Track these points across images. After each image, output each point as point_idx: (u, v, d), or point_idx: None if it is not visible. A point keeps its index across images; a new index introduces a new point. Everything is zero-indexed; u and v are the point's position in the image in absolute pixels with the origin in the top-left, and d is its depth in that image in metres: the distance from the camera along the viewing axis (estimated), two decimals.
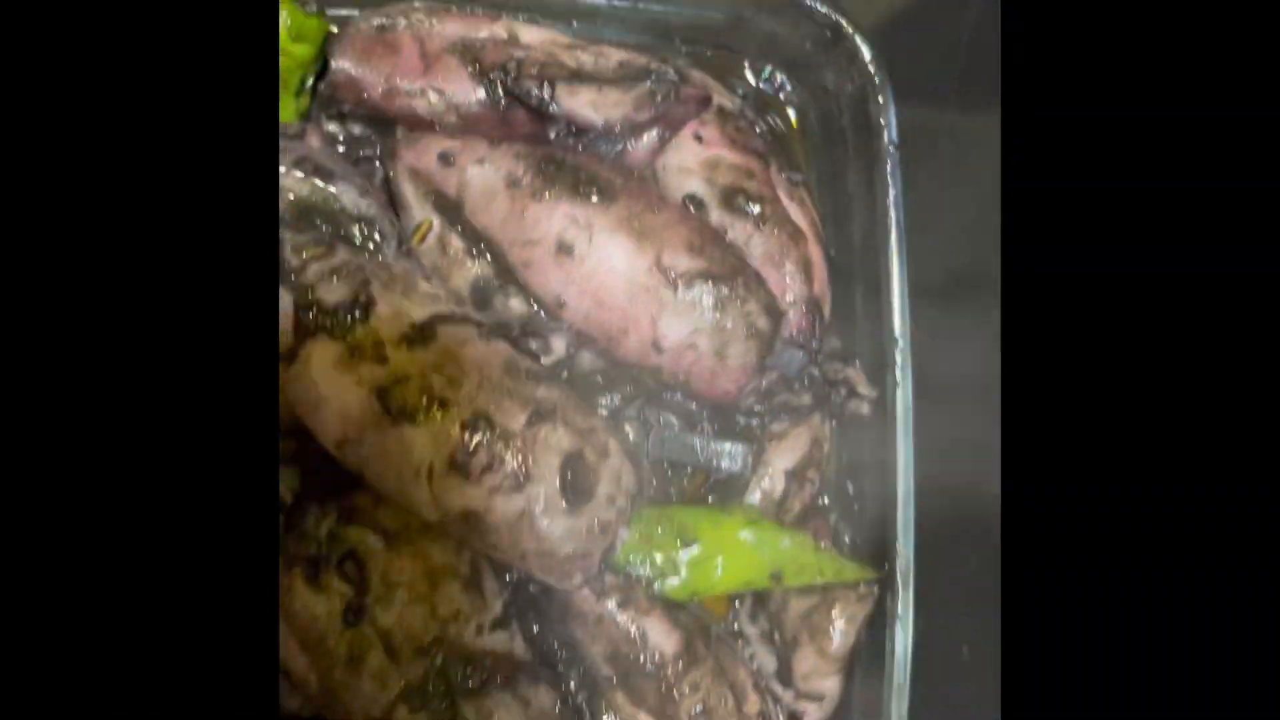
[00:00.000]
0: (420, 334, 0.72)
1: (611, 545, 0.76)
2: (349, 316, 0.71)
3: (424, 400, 0.70)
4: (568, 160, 0.81)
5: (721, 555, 0.84)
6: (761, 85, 0.99)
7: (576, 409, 0.75)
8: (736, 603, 0.92)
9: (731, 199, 0.87)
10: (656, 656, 0.81)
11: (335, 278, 0.72)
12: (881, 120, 0.89)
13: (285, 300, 0.71)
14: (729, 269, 0.80)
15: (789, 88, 0.98)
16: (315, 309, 0.71)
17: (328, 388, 0.71)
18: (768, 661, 0.91)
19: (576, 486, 0.72)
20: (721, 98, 0.93)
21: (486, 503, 0.71)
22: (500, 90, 0.83)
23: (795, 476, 0.92)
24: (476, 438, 0.70)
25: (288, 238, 0.74)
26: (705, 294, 0.79)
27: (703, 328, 0.79)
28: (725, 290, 0.79)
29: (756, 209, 0.87)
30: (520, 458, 0.71)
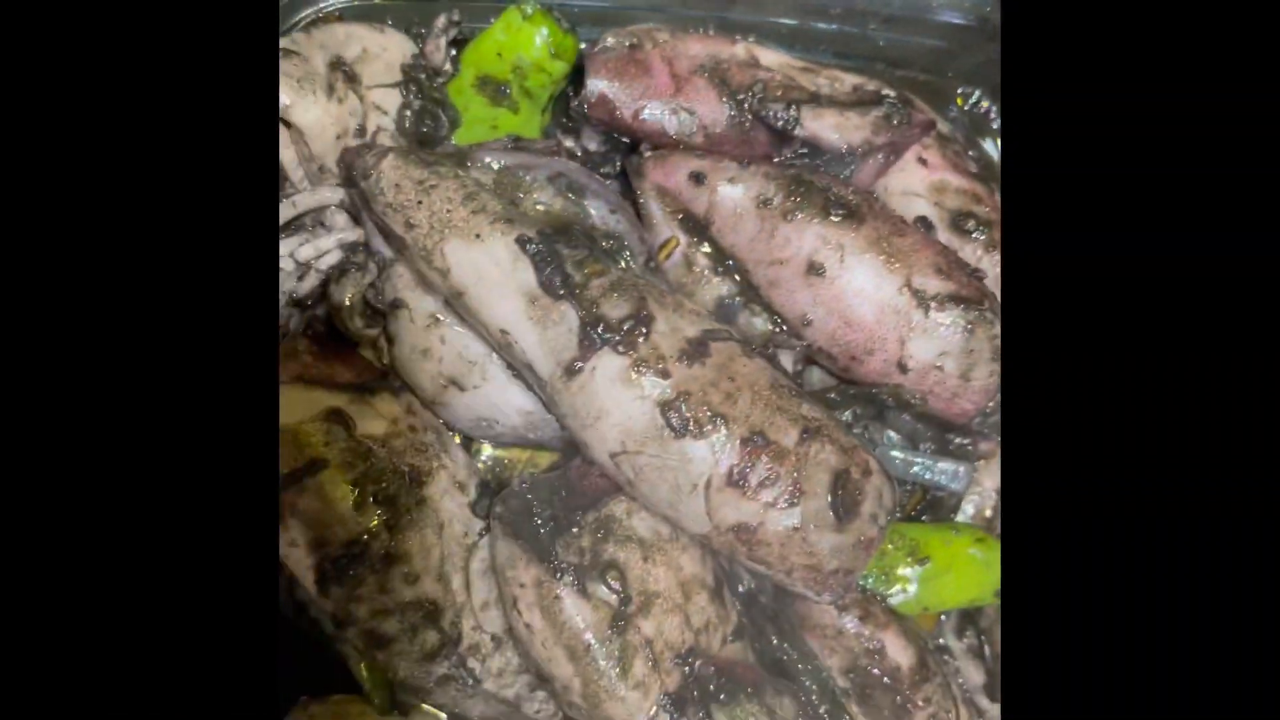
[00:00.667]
0: (696, 349, 0.74)
1: (867, 561, 0.77)
2: (633, 332, 0.73)
3: (706, 415, 0.72)
4: (816, 182, 0.83)
5: (953, 572, 0.85)
6: (969, 110, 1.01)
7: (838, 426, 0.77)
8: (942, 618, 0.94)
9: (961, 222, 0.89)
10: (893, 670, 0.83)
11: (616, 293, 0.74)
12: None
13: (570, 315, 0.73)
14: (977, 292, 0.81)
15: (997, 114, 1.00)
16: (601, 324, 0.72)
17: (611, 400, 0.72)
18: (974, 675, 0.93)
19: (845, 504, 0.73)
20: (939, 123, 0.95)
21: (761, 517, 0.72)
22: (748, 111, 0.85)
23: None
24: (754, 454, 0.72)
25: (566, 253, 0.75)
26: (956, 317, 0.80)
27: (951, 350, 0.81)
28: (975, 313, 0.80)
29: (985, 234, 0.89)
30: (794, 474, 0.72)
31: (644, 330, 0.73)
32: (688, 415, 0.72)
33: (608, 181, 0.90)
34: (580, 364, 0.73)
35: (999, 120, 1.00)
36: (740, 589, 0.86)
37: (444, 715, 0.84)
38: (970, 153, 0.96)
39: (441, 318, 0.79)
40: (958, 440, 0.93)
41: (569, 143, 0.91)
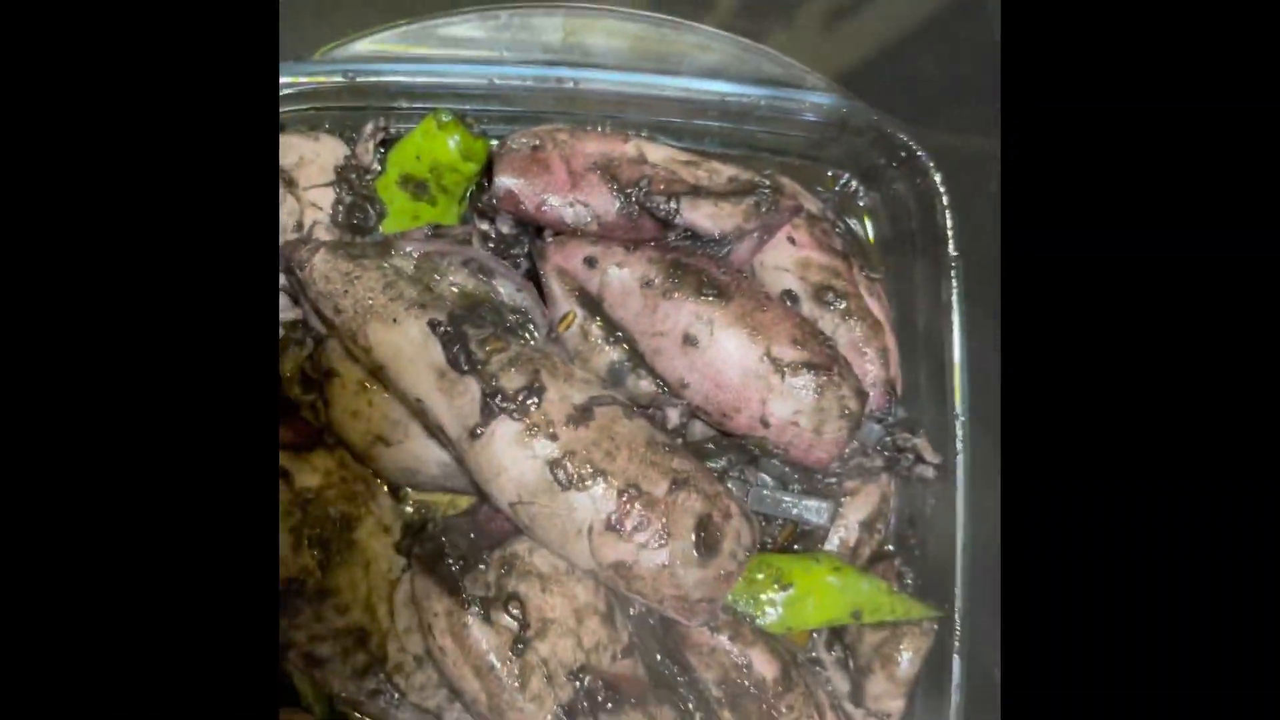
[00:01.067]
0: (581, 414, 0.87)
1: (728, 591, 0.91)
2: (526, 401, 0.86)
3: (588, 471, 0.85)
4: (691, 264, 0.97)
5: (813, 596, 0.99)
6: (839, 190, 1.15)
7: (704, 476, 0.90)
8: (815, 634, 1.08)
9: (822, 294, 1.03)
10: (759, 681, 0.97)
11: (513, 367, 0.88)
12: (947, 227, 1.05)
13: (473, 388, 0.86)
14: (826, 359, 0.95)
15: (864, 194, 1.15)
16: (499, 395, 0.86)
17: (508, 459, 0.86)
18: (841, 685, 1.07)
19: (707, 543, 0.87)
20: (808, 203, 1.09)
21: (636, 556, 0.86)
22: (634, 202, 0.98)
23: (867, 527, 1.08)
24: (629, 503, 0.85)
25: (471, 333, 0.89)
26: (808, 381, 0.94)
27: (804, 409, 0.95)
28: (824, 378, 0.94)
29: (843, 304, 1.03)
30: (663, 520, 0.86)
31: (536, 399, 0.86)
32: (572, 471, 0.85)
33: (519, 260, 1.04)
34: (481, 429, 0.86)
35: (865, 199, 1.15)
36: (632, 612, 1.00)
37: None
38: (838, 229, 1.10)
39: (369, 385, 0.93)
40: (826, 480, 1.07)
41: (485, 225, 1.04)
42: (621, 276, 0.97)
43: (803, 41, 1.09)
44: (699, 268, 0.97)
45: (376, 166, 0.98)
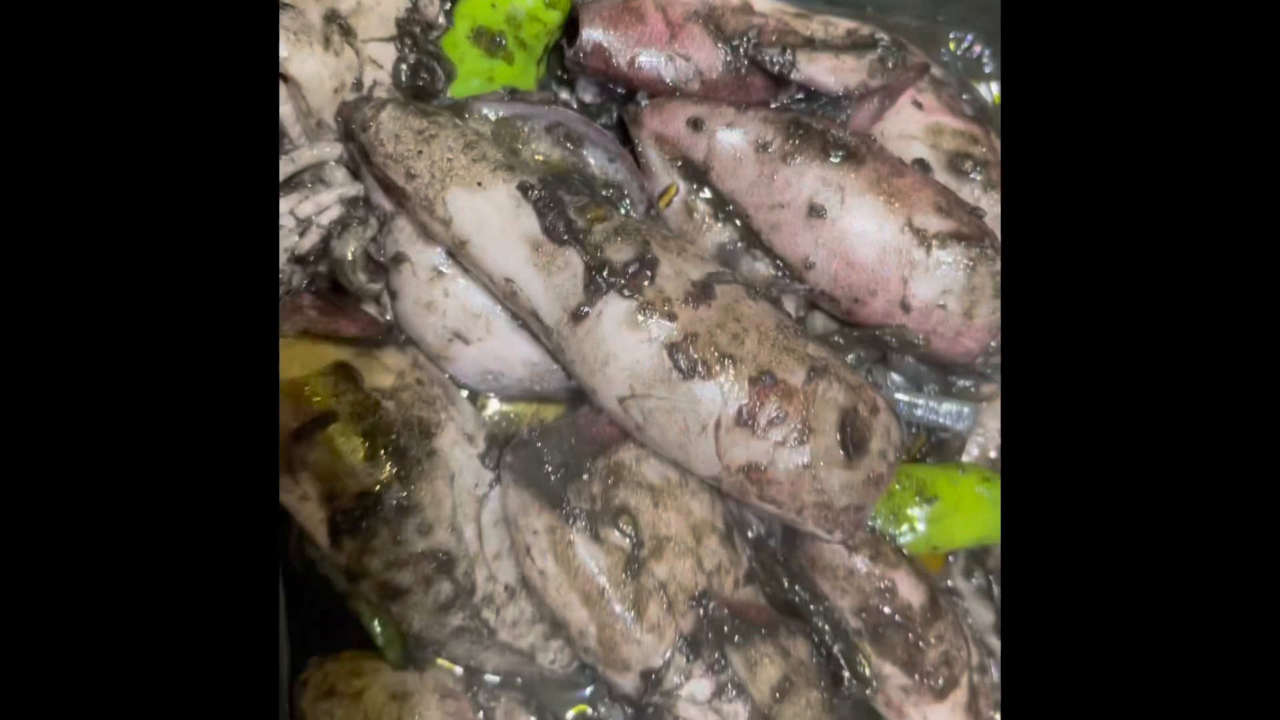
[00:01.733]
0: (702, 292, 0.74)
1: (877, 498, 0.78)
2: (638, 276, 0.73)
3: (714, 356, 0.72)
4: (814, 125, 0.83)
5: (960, 511, 0.86)
6: (961, 55, 1.01)
7: (844, 365, 0.77)
8: (950, 559, 0.95)
9: (958, 164, 0.90)
10: (905, 609, 0.84)
11: (619, 238, 0.74)
12: None
13: (575, 261, 0.73)
14: (977, 230, 0.82)
15: (990, 58, 1.00)
16: (605, 269, 0.72)
17: (619, 344, 0.73)
18: (984, 615, 0.94)
19: (854, 441, 0.74)
20: (933, 67, 0.95)
21: (772, 455, 0.73)
22: (743, 56, 0.84)
23: None
24: (763, 394, 0.72)
25: (568, 200, 0.75)
26: (957, 254, 0.80)
27: (953, 288, 0.81)
28: (976, 251, 0.81)
29: (982, 174, 0.89)
30: (803, 413, 0.73)
31: (649, 274, 0.73)
32: (695, 357, 0.72)
33: (605, 131, 0.90)
34: (586, 309, 0.73)
35: (992, 64, 1.00)
36: (749, 534, 0.87)
37: (459, 669, 0.85)
38: (964, 96, 0.96)
39: (444, 271, 0.79)
40: (961, 383, 0.93)
41: (564, 94, 0.91)
42: (732, 139, 0.83)
43: None
44: (823, 128, 0.83)
45: (442, 21, 0.84)
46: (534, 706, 0.85)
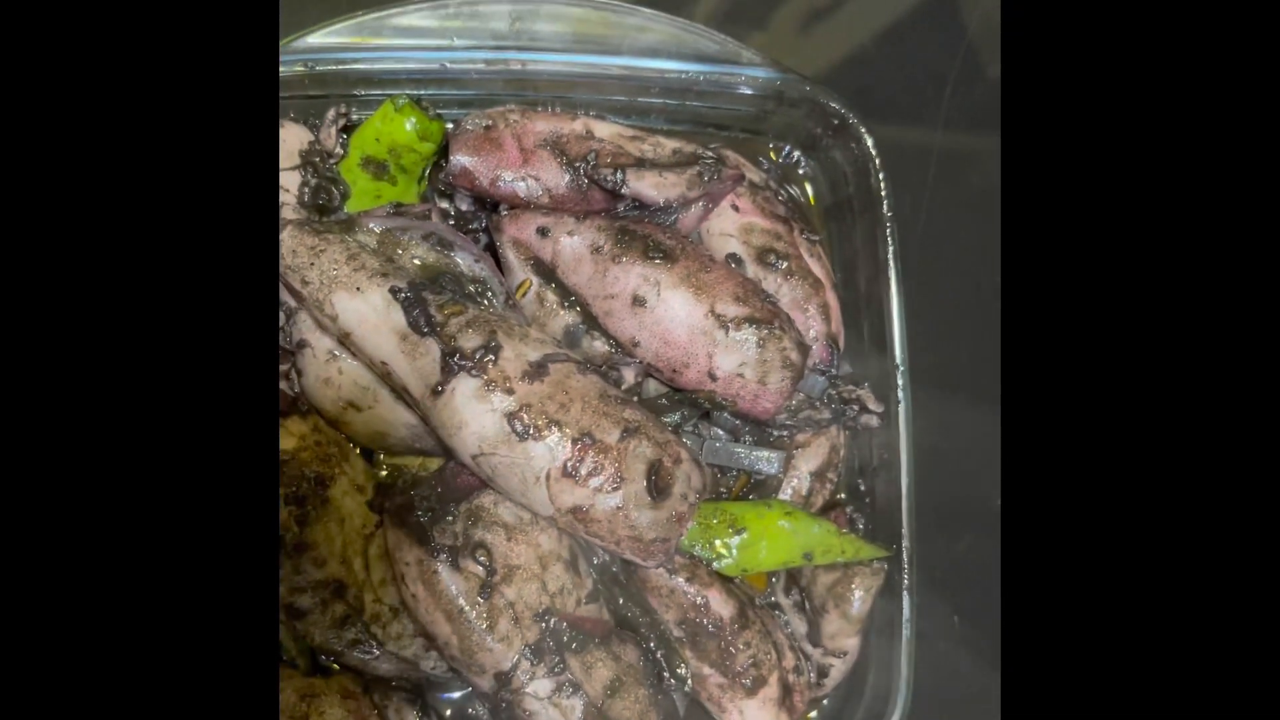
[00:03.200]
0: (537, 370, 0.93)
1: (681, 532, 0.97)
2: (484, 359, 0.92)
3: (544, 422, 0.91)
4: (638, 230, 1.03)
5: (765, 540, 1.05)
6: (781, 161, 1.22)
7: (654, 425, 0.97)
8: (773, 579, 1.14)
9: (764, 256, 1.10)
10: (717, 620, 1.03)
11: (470, 328, 0.94)
12: (881, 191, 1.12)
13: (434, 348, 0.93)
14: (767, 314, 1.02)
15: (804, 163, 1.21)
16: (457, 354, 0.92)
17: (469, 413, 0.92)
18: (800, 626, 1.13)
19: (659, 486, 0.93)
20: (751, 173, 1.15)
21: (591, 500, 0.92)
22: (583, 175, 1.05)
23: (818, 477, 1.14)
24: (583, 451, 0.92)
25: (430, 298, 0.95)
26: (750, 334, 1.00)
27: (749, 360, 1.01)
28: (765, 331, 1.01)
29: (784, 264, 1.10)
30: (616, 465, 0.92)
31: (493, 356, 0.92)
32: (529, 422, 0.91)
33: (477, 235, 1.11)
34: (442, 386, 0.92)
35: (806, 167, 1.21)
36: (595, 561, 1.06)
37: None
38: (780, 196, 1.17)
39: (338, 354, 0.99)
40: (777, 433, 1.13)
41: (444, 204, 1.11)
42: (573, 244, 1.03)
43: (739, 19, 1.16)
44: (645, 233, 1.03)
45: (339, 150, 1.04)
46: (419, 705, 1.04)
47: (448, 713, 1.06)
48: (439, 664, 1.02)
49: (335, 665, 1.03)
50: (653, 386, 1.09)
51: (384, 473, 1.06)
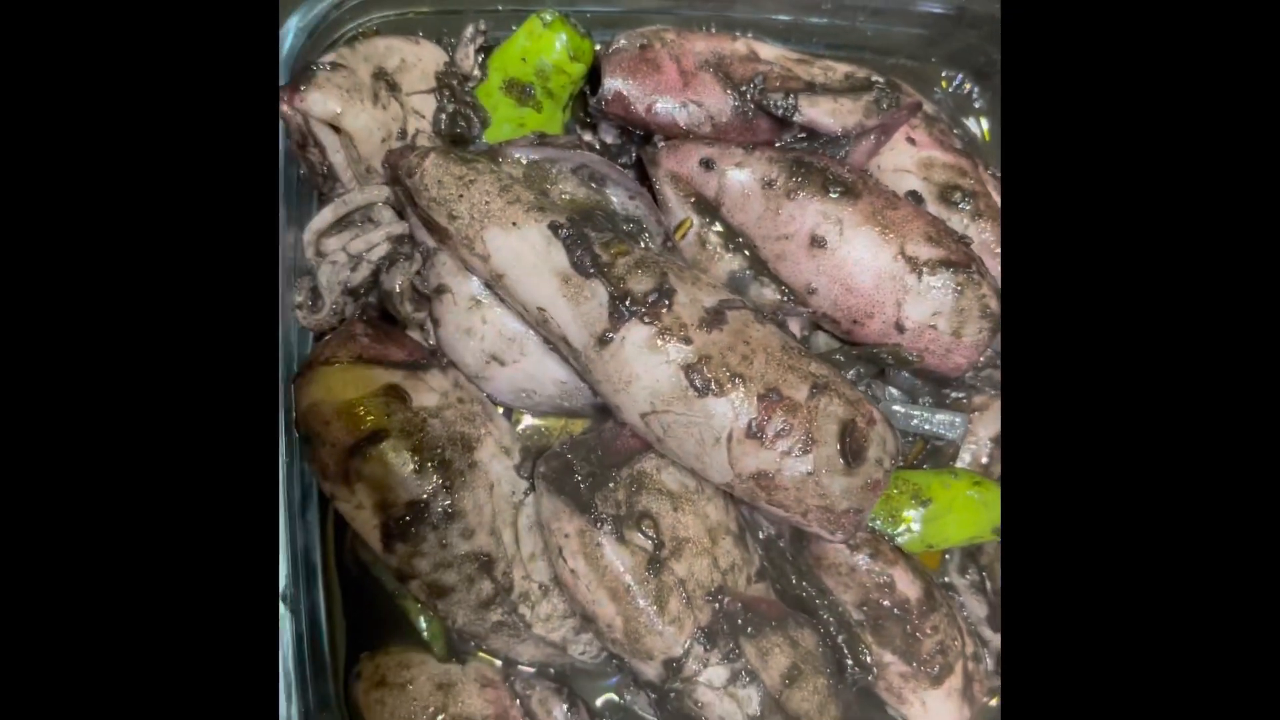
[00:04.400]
0: (714, 318, 0.82)
1: (874, 502, 0.86)
2: (657, 304, 0.81)
3: (725, 375, 0.80)
4: (815, 163, 0.91)
5: (953, 512, 0.94)
6: (953, 91, 1.09)
7: (844, 382, 0.85)
8: (947, 556, 1.03)
9: (948, 194, 0.98)
10: (903, 602, 0.92)
11: (640, 270, 0.82)
12: None
13: (600, 291, 0.81)
14: (965, 257, 0.90)
15: (978, 95, 1.09)
16: (628, 298, 0.81)
17: (640, 365, 0.81)
18: (977, 609, 1.01)
19: (853, 450, 0.82)
20: (925, 104, 1.03)
21: (779, 464, 0.81)
22: (750, 101, 0.93)
23: (998, 442, 1.02)
24: (770, 409, 0.80)
25: (593, 236, 0.84)
26: (946, 279, 0.88)
27: (943, 310, 0.89)
28: (963, 276, 0.89)
29: (970, 204, 0.97)
30: (806, 425, 0.81)
31: (667, 302, 0.81)
32: (709, 376, 0.80)
33: (626, 171, 0.99)
34: (611, 334, 0.81)
35: (981, 100, 1.09)
36: (760, 535, 0.95)
37: (498, 661, 0.93)
38: (955, 131, 1.05)
39: (482, 300, 0.88)
40: (954, 395, 1.02)
41: (587, 137, 0.99)
42: (741, 177, 0.91)
43: None
44: (823, 165, 0.91)
45: (477, 73, 0.93)
46: (566, 694, 0.93)
47: (598, 703, 0.95)
48: (588, 649, 0.92)
49: (476, 650, 0.92)
50: (822, 341, 0.97)
51: (522, 435, 0.95)
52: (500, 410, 0.94)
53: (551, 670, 0.95)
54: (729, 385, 0.80)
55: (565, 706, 0.93)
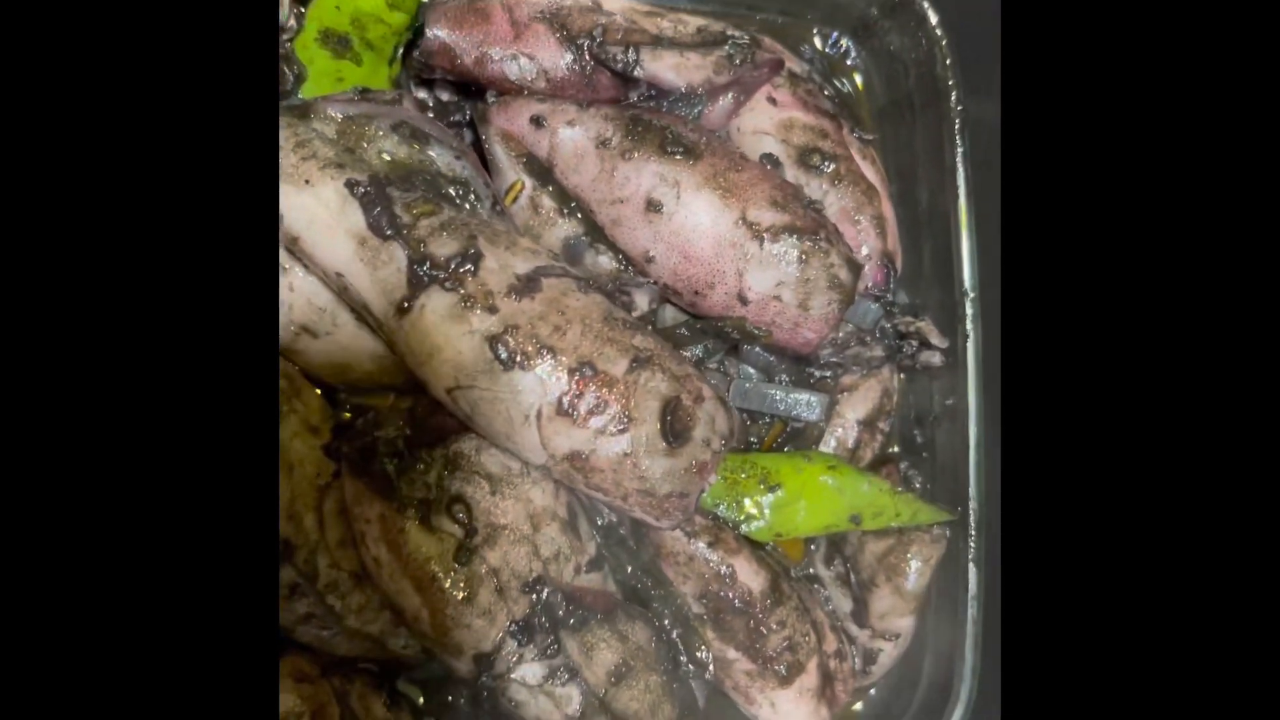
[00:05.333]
0: (526, 285, 0.76)
1: (704, 486, 0.79)
2: (460, 269, 0.74)
3: (534, 347, 0.74)
4: (654, 121, 0.85)
5: (804, 499, 0.87)
6: (827, 51, 1.02)
7: (671, 356, 0.79)
8: (812, 547, 0.96)
9: (807, 158, 0.91)
10: (745, 594, 0.85)
11: (445, 233, 0.76)
12: (950, 82, 0.92)
13: (399, 255, 0.75)
14: (812, 223, 0.83)
15: (854, 53, 1.02)
16: (428, 263, 0.74)
17: (441, 336, 0.75)
18: (843, 603, 0.95)
19: (675, 429, 0.76)
20: (791, 62, 0.96)
21: (593, 444, 0.75)
22: (587, 55, 0.86)
23: (867, 426, 0.96)
24: (583, 383, 0.74)
25: (396, 195, 0.77)
26: (790, 247, 0.82)
27: (787, 280, 0.82)
28: (809, 243, 0.82)
29: (831, 167, 0.91)
30: (623, 402, 0.74)
31: (471, 266, 0.75)
32: (515, 347, 0.74)
33: (460, 129, 0.92)
34: (410, 302, 0.75)
35: (856, 58, 1.02)
36: (600, 522, 0.89)
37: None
38: (825, 91, 0.98)
39: (286, 266, 0.81)
40: (819, 374, 0.95)
41: (421, 93, 0.93)
42: (574, 136, 0.85)
43: None
44: (663, 124, 0.85)
45: (293, 23, 0.86)
46: (388, 690, 0.87)
47: (420, 700, 0.89)
48: (410, 642, 0.85)
49: (287, 644, 0.86)
50: (670, 314, 0.91)
51: (346, 414, 0.89)
52: (316, 389, 0.87)
53: (373, 665, 0.88)
54: (537, 358, 0.74)
55: (385, 704, 0.86)
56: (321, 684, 0.86)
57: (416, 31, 0.88)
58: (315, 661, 0.86)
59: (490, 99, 0.88)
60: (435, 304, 0.74)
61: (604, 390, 0.74)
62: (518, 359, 0.74)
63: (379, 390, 0.89)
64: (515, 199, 0.86)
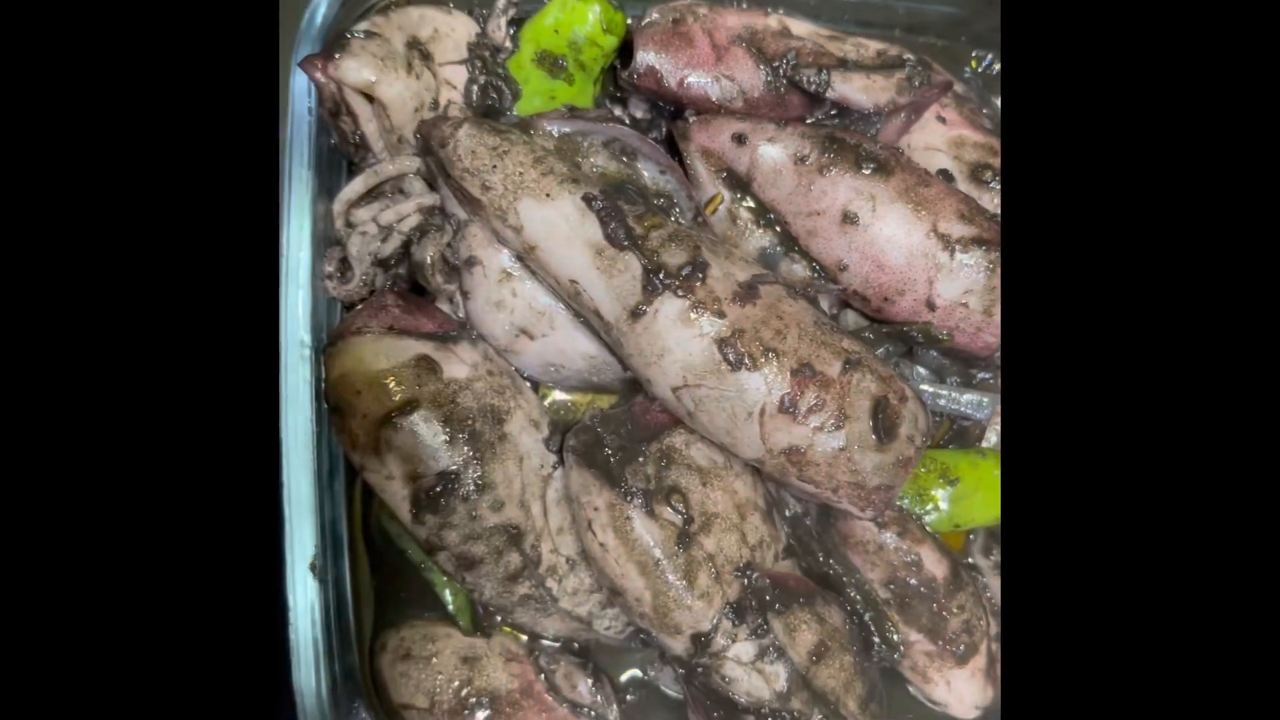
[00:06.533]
0: (747, 292, 0.82)
1: (905, 479, 0.86)
2: (691, 277, 0.81)
3: (759, 350, 0.80)
4: (847, 139, 0.91)
5: (981, 492, 0.94)
6: (982, 71, 1.08)
7: (876, 359, 0.85)
8: (971, 537, 1.02)
9: (979, 173, 0.97)
10: (930, 580, 0.92)
11: (673, 243, 0.82)
12: None
13: (634, 264, 0.81)
14: (996, 235, 0.89)
15: None
16: (662, 271, 0.80)
17: (672, 339, 0.81)
18: (1000, 589, 1.01)
19: (885, 426, 0.82)
20: (955, 83, 1.02)
21: (810, 440, 0.81)
22: (783, 76, 0.92)
23: None
24: (803, 384, 0.80)
25: (626, 209, 0.83)
26: (978, 257, 0.88)
27: (975, 288, 0.89)
28: (994, 254, 0.88)
29: (1000, 183, 0.97)
30: (839, 401, 0.81)
31: (701, 275, 0.81)
32: (743, 350, 0.80)
33: (657, 145, 0.98)
34: (644, 307, 0.81)
35: None
36: (787, 513, 0.95)
37: (523, 635, 0.93)
38: (984, 110, 1.04)
39: (513, 272, 0.88)
40: (981, 375, 1.01)
41: (617, 111, 0.99)
42: (773, 153, 0.91)
43: None
44: (855, 142, 0.91)
45: (509, 45, 0.92)
46: (590, 669, 0.93)
47: (622, 678, 0.95)
48: (614, 624, 0.92)
49: (501, 624, 0.92)
50: (851, 318, 0.97)
51: (549, 409, 0.95)
52: (529, 384, 0.93)
53: (576, 645, 0.95)
54: (762, 360, 0.80)
55: (590, 681, 0.93)
56: (529, 662, 0.92)
57: (620, 53, 0.95)
58: (523, 642, 0.93)
59: (690, 116, 0.94)
60: (668, 309, 0.80)
61: (822, 390, 0.80)
62: (745, 361, 0.80)
63: (585, 388, 0.95)
64: (715, 210, 0.93)
